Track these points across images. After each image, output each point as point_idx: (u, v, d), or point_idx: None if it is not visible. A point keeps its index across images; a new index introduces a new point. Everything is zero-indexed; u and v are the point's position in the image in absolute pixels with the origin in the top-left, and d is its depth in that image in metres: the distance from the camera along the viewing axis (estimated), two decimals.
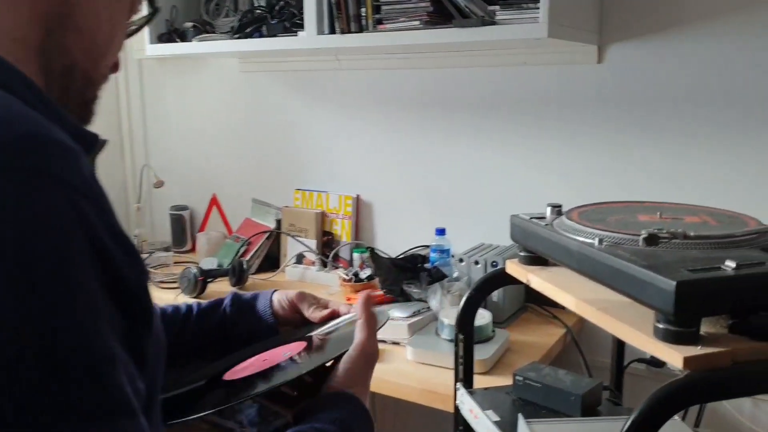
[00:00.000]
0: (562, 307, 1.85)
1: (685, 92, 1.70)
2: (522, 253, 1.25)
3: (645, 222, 1.12)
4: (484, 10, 1.60)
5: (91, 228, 0.47)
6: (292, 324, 0.91)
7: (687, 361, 0.83)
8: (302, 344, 0.84)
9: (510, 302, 1.81)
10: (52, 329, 0.43)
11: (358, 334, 0.78)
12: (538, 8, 1.50)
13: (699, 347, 0.85)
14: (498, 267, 1.79)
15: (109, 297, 0.48)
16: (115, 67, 0.64)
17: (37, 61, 0.55)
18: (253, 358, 0.85)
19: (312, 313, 0.91)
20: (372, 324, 0.78)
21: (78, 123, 0.56)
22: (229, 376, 0.82)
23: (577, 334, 1.80)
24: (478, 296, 1.31)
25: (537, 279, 1.19)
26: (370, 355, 0.77)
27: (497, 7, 1.59)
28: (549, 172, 1.92)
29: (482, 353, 1.50)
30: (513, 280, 1.28)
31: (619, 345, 1.47)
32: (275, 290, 0.94)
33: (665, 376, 1.79)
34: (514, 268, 1.26)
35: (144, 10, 0.68)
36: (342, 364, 0.75)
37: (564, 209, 1.22)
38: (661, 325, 0.88)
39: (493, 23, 1.58)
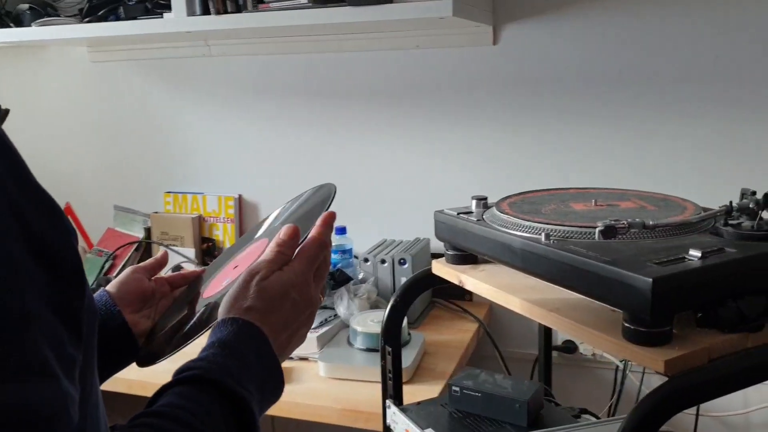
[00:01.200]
0: (470, 299, 1.80)
1: (580, 72, 1.67)
2: (450, 252, 1.15)
3: (583, 211, 1.05)
4: None
5: (5, 187, 0.45)
6: (140, 295, 0.85)
7: (668, 364, 0.76)
8: (265, 241, 0.79)
9: (419, 301, 1.70)
10: None
11: None
12: None
13: (676, 348, 0.78)
14: (405, 264, 1.69)
15: (31, 257, 0.45)
16: None
17: None
18: (226, 268, 0.84)
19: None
20: (278, 249, 0.72)
21: None
22: (209, 292, 0.80)
23: (488, 326, 1.74)
24: (403, 303, 1.19)
25: (471, 280, 1.08)
26: (251, 273, 0.70)
27: None
28: (448, 161, 1.83)
29: (402, 361, 1.38)
30: (440, 282, 1.17)
31: (546, 339, 1.41)
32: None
33: (579, 362, 1.79)
34: (443, 269, 1.15)
35: None
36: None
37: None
38: (631, 326, 0.80)
39: (390, 1, 1.45)
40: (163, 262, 0.91)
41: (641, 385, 1.60)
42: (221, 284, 0.79)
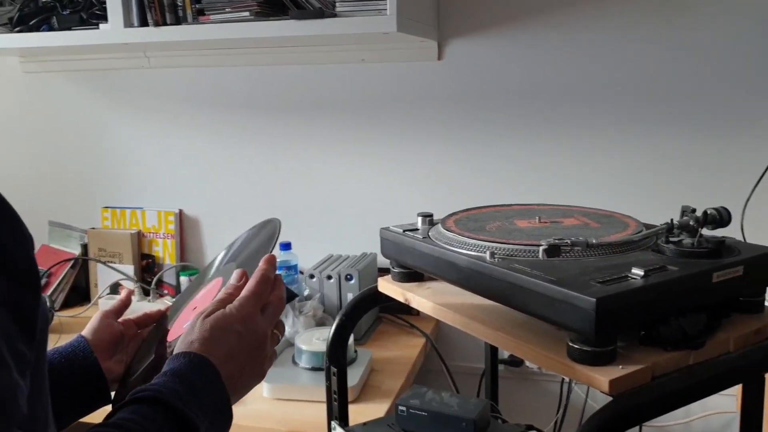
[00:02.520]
0: (417, 314, 1.79)
1: (524, 88, 1.69)
2: (396, 270, 1.13)
3: (527, 228, 1.05)
4: (322, 0, 1.45)
5: None
6: (113, 341, 0.89)
7: (613, 384, 0.76)
8: (219, 280, 0.85)
9: (365, 316, 1.68)
10: None
11: None
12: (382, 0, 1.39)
13: (620, 367, 0.78)
14: (352, 279, 1.66)
15: None
16: None
17: None
18: (186, 309, 0.87)
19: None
20: (225, 291, 0.77)
21: None
22: (172, 335, 0.83)
23: (435, 340, 1.73)
24: (349, 322, 1.17)
25: (417, 298, 1.07)
26: (200, 314, 0.75)
27: None
28: (394, 175, 1.82)
29: (349, 380, 1.36)
30: (386, 300, 1.16)
31: (493, 354, 1.41)
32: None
33: (526, 375, 1.79)
34: (389, 287, 1.13)
35: None
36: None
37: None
38: (576, 346, 0.80)
39: (334, 15, 1.43)
40: (127, 302, 0.94)
41: (587, 397, 1.61)
42: (182, 327, 0.82)
